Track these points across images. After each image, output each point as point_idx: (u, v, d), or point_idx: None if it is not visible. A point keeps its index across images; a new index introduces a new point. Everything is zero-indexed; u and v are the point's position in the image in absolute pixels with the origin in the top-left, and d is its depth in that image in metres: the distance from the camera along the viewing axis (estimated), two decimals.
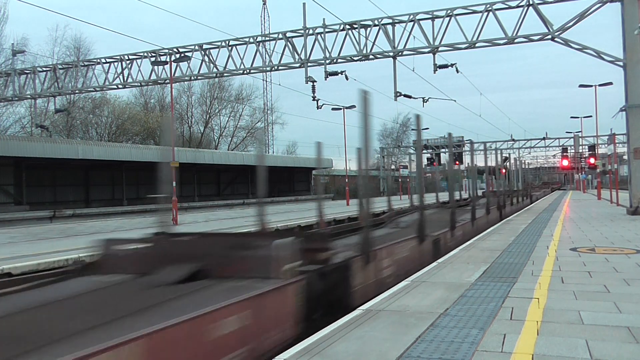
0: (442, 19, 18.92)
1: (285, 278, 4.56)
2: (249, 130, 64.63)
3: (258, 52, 21.70)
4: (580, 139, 46.48)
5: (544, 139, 56.43)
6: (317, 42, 20.57)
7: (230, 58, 22.05)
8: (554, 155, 72.73)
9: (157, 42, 55.37)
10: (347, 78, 20.89)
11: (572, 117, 46.72)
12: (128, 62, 23.70)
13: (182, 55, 22.09)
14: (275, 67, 22.04)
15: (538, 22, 17.45)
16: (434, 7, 18.96)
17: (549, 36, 17.29)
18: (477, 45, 18.85)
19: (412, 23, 19.34)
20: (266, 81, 62.70)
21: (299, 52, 20.88)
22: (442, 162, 55.64)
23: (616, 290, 5.13)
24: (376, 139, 76.06)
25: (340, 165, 53.65)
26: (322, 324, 4.29)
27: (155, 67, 22.96)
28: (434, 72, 19.71)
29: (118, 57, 23.97)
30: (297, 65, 21.12)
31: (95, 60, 25.63)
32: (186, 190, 40.93)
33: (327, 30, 20.50)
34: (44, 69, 26.69)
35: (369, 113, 6.23)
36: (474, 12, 18.56)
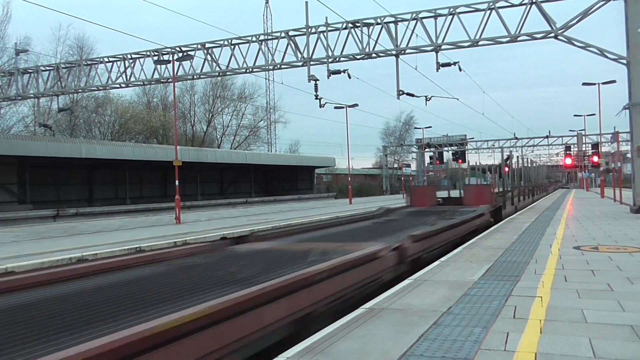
0: (444, 17, 18.87)
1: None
2: (252, 129, 64.67)
3: (260, 51, 21.71)
4: (584, 137, 46.35)
5: (547, 137, 56.18)
6: (319, 40, 20.54)
7: (232, 57, 22.05)
8: (557, 154, 72.43)
9: (159, 41, 55.39)
10: (349, 77, 20.86)
11: (575, 116, 46.45)
12: (131, 61, 23.72)
13: (185, 54, 22.09)
14: (278, 66, 22.01)
15: (541, 20, 17.42)
16: (436, 5, 18.92)
17: (552, 34, 17.22)
18: (480, 43, 18.80)
19: (414, 21, 19.30)
20: (269, 80, 62.74)
21: (302, 51, 20.86)
22: (444, 161, 55.51)
23: (620, 289, 5.12)
24: (379, 137, 76.07)
25: (343, 164, 53.64)
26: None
27: (158, 66, 22.97)
28: (437, 71, 19.71)
29: (121, 56, 23.98)
30: (300, 64, 21.10)
31: (98, 60, 25.64)
32: (189, 189, 40.98)
33: (329, 28, 20.46)
34: (47, 68, 26.72)
35: None
36: (477, 10, 18.52)
